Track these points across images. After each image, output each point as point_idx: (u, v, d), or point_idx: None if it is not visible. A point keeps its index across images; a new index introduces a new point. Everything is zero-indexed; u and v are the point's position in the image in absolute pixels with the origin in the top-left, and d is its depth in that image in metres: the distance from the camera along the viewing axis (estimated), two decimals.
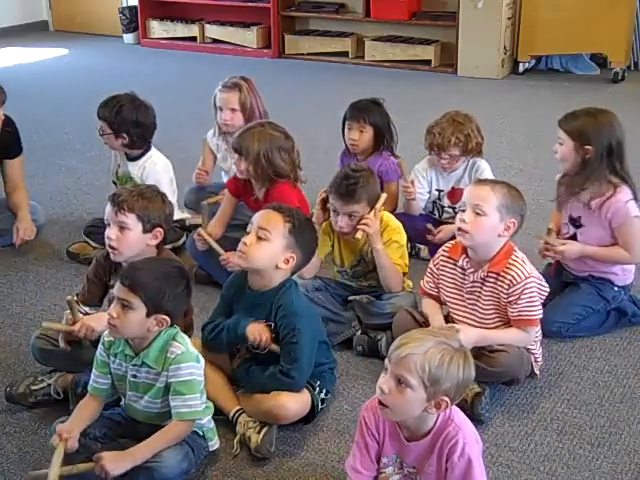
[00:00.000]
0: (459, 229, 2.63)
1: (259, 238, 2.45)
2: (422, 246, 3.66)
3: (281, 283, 2.51)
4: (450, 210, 3.67)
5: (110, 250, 2.61)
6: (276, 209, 2.52)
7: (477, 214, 2.59)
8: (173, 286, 2.24)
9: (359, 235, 2.97)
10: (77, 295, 2.76)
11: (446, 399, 1.91)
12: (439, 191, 3.68)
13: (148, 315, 2.20)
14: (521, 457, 2.44)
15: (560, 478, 2.36)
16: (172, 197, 3.68)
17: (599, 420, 2.61)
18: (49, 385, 2.63)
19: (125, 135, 3.56)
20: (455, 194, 3.60)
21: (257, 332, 2.49)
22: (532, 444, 2.50)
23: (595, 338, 3.07)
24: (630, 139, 3.09)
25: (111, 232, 2.59)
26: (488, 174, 3.58)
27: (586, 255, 3.07)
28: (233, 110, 3.76)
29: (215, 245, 3.26)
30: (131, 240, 2.58)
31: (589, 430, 2.56)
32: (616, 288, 3.11)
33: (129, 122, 3.54)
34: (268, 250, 2.45)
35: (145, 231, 2.60)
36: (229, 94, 3.78)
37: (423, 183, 3.68)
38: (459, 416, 2.02)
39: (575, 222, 3.11)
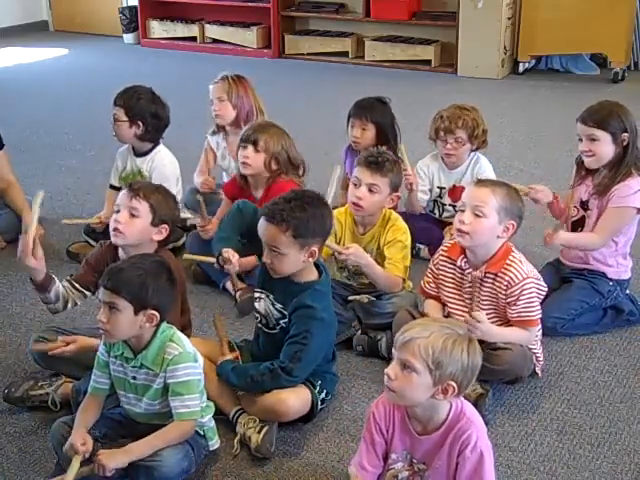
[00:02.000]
0: (458, 230, 2.63)
1: (273, 252, 2.45)
2: (422, 246, 3.66)
3: (312, 282, 2.51)
4: (450, 208, 3.68)
5: (113, 233, 2.63)
6: (269, 220, 2.45)
7: (476, 215, 2.59)
8: (154, 279, 2.23)
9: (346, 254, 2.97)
10: (71, 275, 2.77)
11: (453, 384, 1.92)
12: (441, 188, 3.69)
13: (136, 313, 2.19)
14: (521, 457, 2.44)
15: (560, 478, 2.36)
16: (177, 196, 3.70)
17: (599, 420, 2.61)
18: (48, 394, 2.62)
19: (140, 123, 3.59)
20: (456, 192, 3.61)
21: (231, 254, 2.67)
22: (532, 444, 2.50)
23: (595, 338, 3.07)
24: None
25: (120, 216, 2.62)
26: (490, 172, 3.60)
27: (561, 242, 3.10)
28: (220, 100, 3.86)
29: (203, 258, 3.29)
30: (138, 228, 2.61)
31: (589, 430, 2.56)
32: (611, 282, 3.12)
33: (146, 111, 3.58)
34: (287, 261, 2.46)
35: (153, 224, 2.62)
36: (216, 85, 3.91)
37: (424, 179, 3.70)
38: (470, 410, 2.03)
39: (584, 205, 3.15)
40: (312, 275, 2.53)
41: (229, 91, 3.84)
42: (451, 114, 3.55)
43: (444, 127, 3.54)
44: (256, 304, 2.62)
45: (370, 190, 3.00)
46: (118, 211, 2.64)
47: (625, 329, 3.13)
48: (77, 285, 2.69)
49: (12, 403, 2.64)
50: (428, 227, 3.66)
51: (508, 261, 2.63)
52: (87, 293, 2.71)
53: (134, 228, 2.61)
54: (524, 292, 2.60)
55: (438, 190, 3.70)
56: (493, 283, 2.65)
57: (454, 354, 1.91)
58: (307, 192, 2.60)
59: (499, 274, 2.63)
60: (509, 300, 2.62)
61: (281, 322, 2.53)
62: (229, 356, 2.60)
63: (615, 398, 2.72)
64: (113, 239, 2.64)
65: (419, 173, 3.71)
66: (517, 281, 2.60)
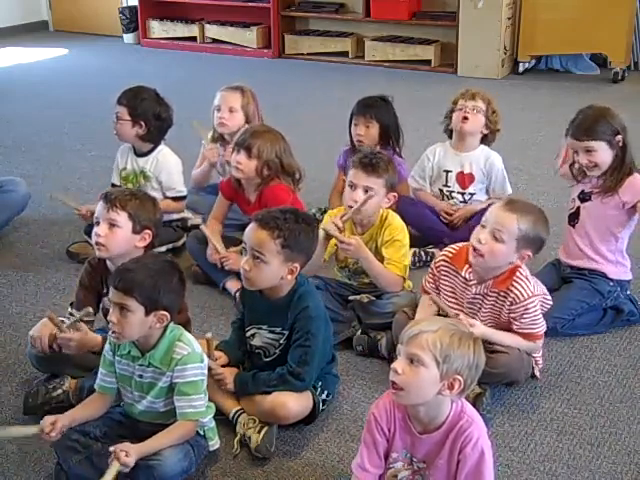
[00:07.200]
0: (474, 248, 2.60)
1: (255, 258, 2.42)
2: (436, 250, 3.58)
3: (294, 288, 2.50)
4: (459, 196, 3.69)
5: (96, 247, 2.60)
6: (262, 225, 2.42)
7: (495, 238, 2.56)
8: (166, 280, 2.23)
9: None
10: (72, 304, 2.72)
11: (459, 378, 1.92)
12: (447, 172, 3.70)
13: (147, 314, 2.19)
14: (521, 457, 2.44)
15: (560, 478, 2.36)
16: (184, 189, 3.70)
17: (599, 420, 2.61)
18: (64, 392, 2.57)
19: (143, 123, 3.57)
20: (464, 179, 3.66)
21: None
22: (532, 444, 2.50)
23: (595, 338, 3.07)
24: (631, 139, 3.09)
25: (100, 229, 2.59)
26: (498, 164, 3.69)
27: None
28: (231, 110, 3.79)
29: (214, 242, 3.27)
30: (119, 238, 2.58)
31: (589, 430, 2.56)
32: (611, 283, 3.12)
33: (150, 112, 3.57)
34: (267, 272, 2.43)
35: (135, 231, 2.60)
36: (230, 93, 3.82)
37: (427, 166, 3.75)
38: (471, 409, 2.04)
39: (585, 196, 3.14)
40: (291, 283, 2.51)
41: (246, 105, 3.79)
42: (474, 89, 3.72)
43: (465, 92, 3.68)
44: (251, 342, 2.61)
45: (366, 192, 2.98)
46: (98, 223, 2.61)
47: (625, 329, 3.13)
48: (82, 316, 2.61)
49: (34, 413, 2.54)
50: (434, 228, 3.65)
51: (515, 278, 2.61)
52: (92, 316, 2.65)
53: (116, 240, 2.57)
54: (528, 310, 2.60)
55: (444, 174, 3.71)
56: (496, 299, 2.64)
57: (461, 349, 1.92)
58: (302, 210, 2.64)
59: (503, 291, 2.62)
60: (512, 315, 2.62)
61: (281, 341, 2.53)
62: (221, 359, 2.58)
63: (615, 398, 2.72)
64: (97, 253, 2.62)
65: (424, 160, 3.75)
66: (521, 299, 2.59)
